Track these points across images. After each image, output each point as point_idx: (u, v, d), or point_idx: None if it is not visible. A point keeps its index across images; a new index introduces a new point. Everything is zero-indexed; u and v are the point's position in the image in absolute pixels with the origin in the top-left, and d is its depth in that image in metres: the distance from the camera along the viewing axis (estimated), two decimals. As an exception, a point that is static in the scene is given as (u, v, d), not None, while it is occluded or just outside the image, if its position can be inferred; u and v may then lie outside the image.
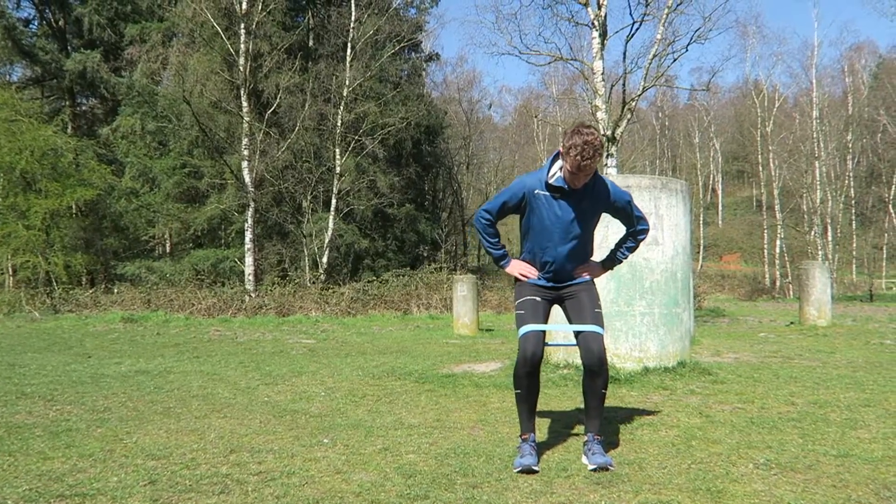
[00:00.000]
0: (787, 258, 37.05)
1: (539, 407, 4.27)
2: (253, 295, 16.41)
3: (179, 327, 11.84)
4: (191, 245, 23.10)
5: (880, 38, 76.44)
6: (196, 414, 4.15)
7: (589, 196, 3.04)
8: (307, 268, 20.39)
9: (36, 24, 26.64)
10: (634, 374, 5.21)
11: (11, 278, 20.54)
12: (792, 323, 11.89)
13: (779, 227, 36.57)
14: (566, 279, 3.18)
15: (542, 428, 3.71)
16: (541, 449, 3.26)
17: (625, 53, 16.20)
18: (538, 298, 3.14)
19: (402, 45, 22.35)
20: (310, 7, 24.29)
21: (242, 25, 18.59)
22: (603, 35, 14.87)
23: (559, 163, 3.02)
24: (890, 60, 46.68)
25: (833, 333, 9.71)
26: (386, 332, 11.07)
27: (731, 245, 53.23)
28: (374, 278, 17.84)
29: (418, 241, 26.50)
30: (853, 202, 40.20)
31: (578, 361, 5.53)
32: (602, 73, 14.91)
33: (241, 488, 2.67)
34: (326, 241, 20.27)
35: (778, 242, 37.05)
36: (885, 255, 43.50)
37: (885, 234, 42.55)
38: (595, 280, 3.28)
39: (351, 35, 20.79)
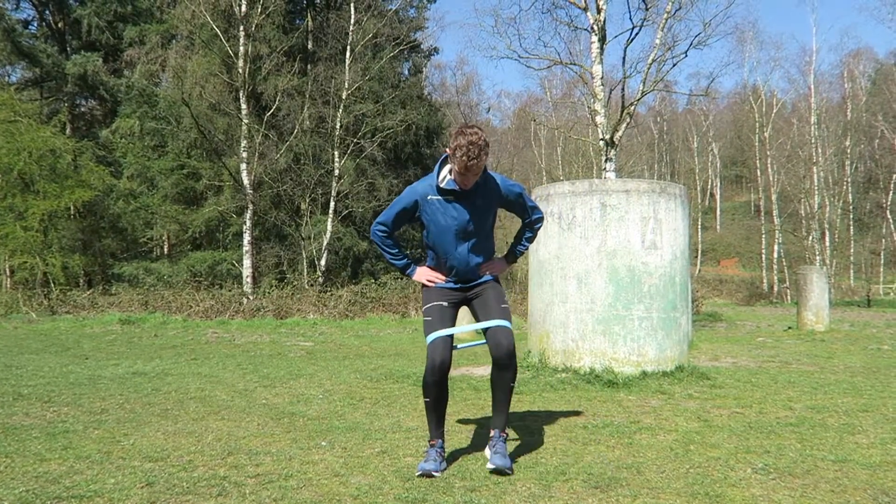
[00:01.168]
0: (784, 263, 37.13)
1: (537, 410, 4.28)
2: (251, 297, 16.39)
3: (177, 329, 11.82)
4: (189, 247, 23.07)
5: (879, 44, 76.86)
6: (193, 416, 4.14)
7: (481, 194, 3.06)
8: (305, 270, 20.37)
9: (35, 25, 26.65)
10: (632, 379, 5.21)
11: (9, 279, 20.52)
12: (790, 328, 11.90)
13: (777, 232, 36.65)
14: (472, 279, 3.22)
15: (539, 431, 3.71)
16: (539, 452, 3.26)
17: (624, 58, 16.18)
18: (445, 303, 3.17)
19: (401, 47, 22.38)
20: (309, 10, 24.32)
21: (241, 28, 18.61)
22: (602, 39, 14.90)
23: (448, 166, 3.05)
24: (888, 66, 46.82)
25: (831, 338, 9.72)
26: (384, 335, 11.06)
27: (730, 250, 53.29)
28: (373, 281, 17.83)
29: (417, 244, 26.48)
30: (851, 207, 40.27)
31: (576, 365, 5.53)
32: (601, 78, 14.94)
33: (238, 490, 2.67)
34: (325, 243, 20.26)
35: (776, 247, 37.12)
36: (882, 261, 43.58)
37: (883, 240, 42.65)
38: (499, 277, 3.31)
39: (350, 38, 20.82)
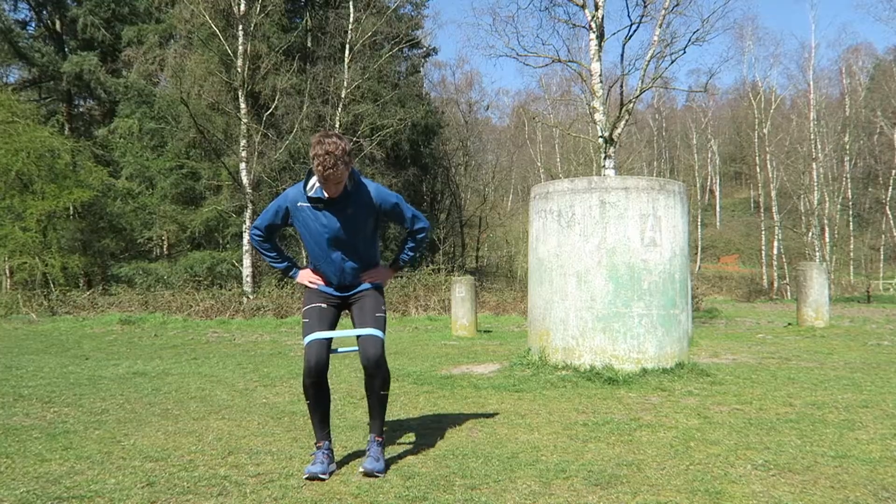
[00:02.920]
0: (784, 259, 37.15)
1: (538, 409, 4.28)
2: (251, 297, 16.39)
3: (177, 329, 11.83)
4: (188, 247, 23.07)
5: (877, 40, 76.79)
6: (194, 416, 4.15)
7: (353, 203, 3.04)
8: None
9: (33, 26, 26.63)
10: (633, 376, 5.21)
11: (8, 280, 20.51)
12: (790, 324, 11.90)
13: (776, 228, 36.65)
14: (351, 286, 3.20)
15: (539, 429, 3.72)
16: (539, 450, 3.26)
17: (622, 55, 16.19)
18: (324, 305, 3.16)
19: (399, 45, 22.36)
20: (308, 8, 24.29)
21: (240, 27, 18.59)
22: (600, 37, 14.89)
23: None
24: (887, 62, 46.79)
25: (831, 335, 9.73)
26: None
27: (729, 246, 53.32)
28: (372, 280, 17.80)
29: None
30: (850, 204, 40.30)
31: (577, 363, 5.53)
32: (600, 75, 14.93)
33: (239, 490, 2.67)
34: (324, 242, 20.25)
35: (776, 244, 37.12)
36: (882, 257, 43.62)
37: (883, 236, 42.67)
38: (384, 284, 3.30)
39: (349, 36, 20.80)
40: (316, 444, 3.01)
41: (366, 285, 3.21)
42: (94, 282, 21.13)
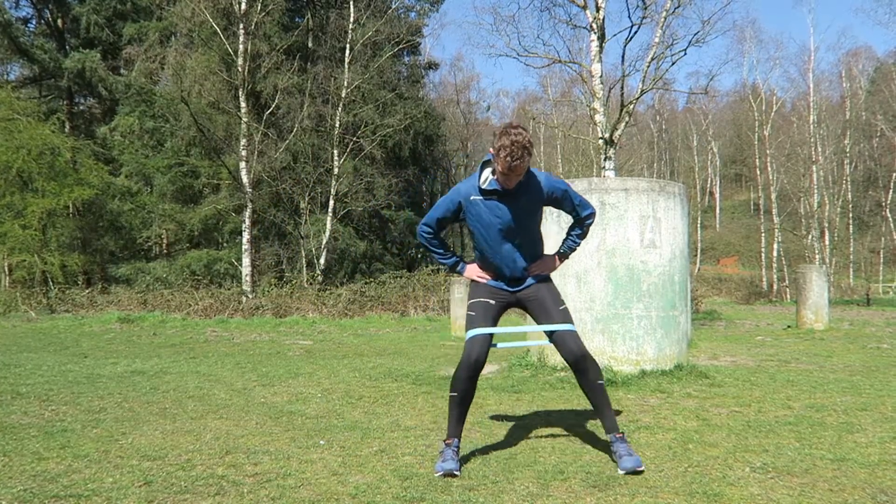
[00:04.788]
0: (784, 262, 37.15)
1: (536, 410, 4.28)
2: (250, 296, 16.39)
3: (176, 328, 11.82)
4: (187, 245, 23.06)
5: (878, 43, 76.86)
6: (192, 415, 4.14)
7: (525, 193, 3.04)
8: (304, 269, 20.37)
9: (34, 23, 26.62)
10: (631, 377, 5.20)
11: (7, 278, 20.51)
12: (789, 326, 11.90)
13: (776, 230, 36.65)
14: (520, 280, 3.19)
15: (538, 430, 3.71)
16: (537, 451, 3.26)
17: (623, 56, 16.17)
18: (491, 301, 3.15)
19: (400, 46, 22.35)
20: (309, 8, 24.29)
21: (241, 25, 18.58)
22: (601, 38, 14.89)
23: (489, 168, 3.04)
24: (887, 65, 46.80)
25: (830, 337, 9.73)
26: (383, 334, 11.07)
27: (729, 248, 53.32)
28: (372, 280, 17.83)
29: (416, 243, 26.49)
30: (850, 206, 40.29)
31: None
32: (600, 76, 14.93)
33: (236, 490, 2.66)
34: (324, 242, 20.25)
35: (775, 246, 37.12)
36: (882, 260, 43.62)
37: (882, 239, 42.67)
38: (552, 276, 3.29)
39: (350, 36, 20.80)
40: (446, 440, 3.01)
41: (535, 279, 3.19)
42: (93, 280, 21.14)
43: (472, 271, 3.24)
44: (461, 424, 3.04)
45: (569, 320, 3.09)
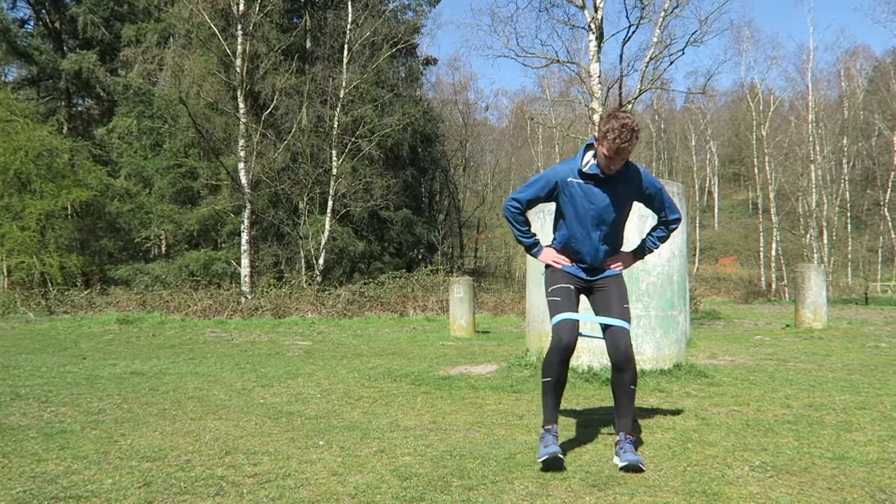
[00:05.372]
0: (782, 261, 37.18)
1: (536, 409, 4.28)
2: (249, 297, 16.38)
3: (175, 329, 11.81)
4: (186, 246, 23.05)
5: (876, 42, 76.95)
6: (191, 416, 4.14)
7: (622, 182, 3.05)
8: (303, 269, 20.36)
9: (32, 24, 26.60)
10: (630, 377, 5.21)
11: (6, 279, 20.48)
12: (787, 326, 11.91)
13: (774, 230, 36.69)
14: (598, 269, 3.18)
15: (537, 430, 3.71)
16: (536, 451, 3.25)
17: (621, 56, 16.19)
18: (571, 287, 3.13)
19: (398, 47, 22.35)
20: (307, 9, 24.29)
21: (239, 26, 18.58)
22: (599, 38, 14.90)
23: (591, 152, 3.05)
24: (885, 64, 46.86)
25: (828, 336, 9.74)
26: (382, 334, 11.07)
27: (728, 248, 53.36)
28: (371, 280, 17.83)
29: (415, 243, 26.50)
30: (848, 206, 40.34)
31: (574, 364, 5.53)
32: (598, 76, 14.94)
33: (236, 490, 2.66)
34: (323, 242, 20.25)
35: (774, 245, 37.15)
36: (880, 258, 43.69)
37: (881, 238, 42.74)
38: (622, 274, 3.27)
39: (348, 37, 20.79)
40: (545, 426, 3.01)
41: (611, 272, 3.19)
42: (92, 281, 21.11)
43: (549, 255, 3.22)
44: (557, 409, 3.05)
45: (627, 319, 3.08)
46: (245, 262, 18.29)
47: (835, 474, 2.86)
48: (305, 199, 21.26)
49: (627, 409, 3.07)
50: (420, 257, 25.96)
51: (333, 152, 20.64)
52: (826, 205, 35.03)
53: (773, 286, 37.23)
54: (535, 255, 3.28)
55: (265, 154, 19.48)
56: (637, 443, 3.14)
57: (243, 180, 18.43)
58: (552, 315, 3.08)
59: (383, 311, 15.70)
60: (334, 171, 20.66)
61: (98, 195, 20.48)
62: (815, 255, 32.38)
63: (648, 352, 5.45)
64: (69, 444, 3.38)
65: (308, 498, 2.58)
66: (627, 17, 15.44)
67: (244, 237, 18.41)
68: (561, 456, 2.87)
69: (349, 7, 20.85)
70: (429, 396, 4.81)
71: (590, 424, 3.83)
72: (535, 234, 3.27)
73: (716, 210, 60.22)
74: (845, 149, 39.46)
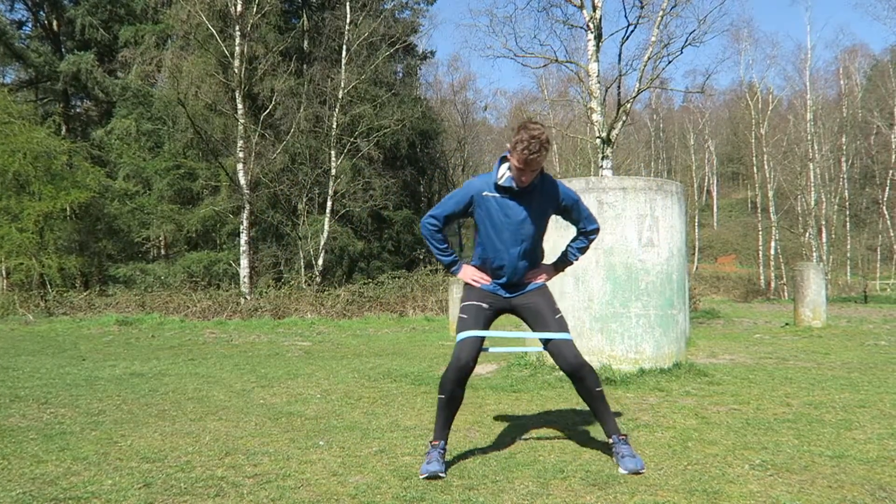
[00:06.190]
0: (781, 260, 37.18)
1: (535, 409, 4.28)
2: (248, 297, 16.37)
3: (174, 330, 11.81)
4: (185, 247, 23.04)
5: (874, 40, 76.90)
6: (191, 416, 4.14)
7: (538, 195, 3.02)
8: (303, 270, 20.36)
9: (30, 26, 26.56)
10: (630, 376, 5.21)
11: (5, 281, 20.46)
12: (787, 324, 11.92)
13: (773, 228, 36.70)
14: (519, 285, 3.15)
15: (538, 430, 3.71)
16: (537, 450, 3.26)
17: (620, 56, 16.19)
18: (484, 305, 3.10)
19: (396, 46, 22.36)
20: (304, 10, 24.29)
21: (237, 28, 18.57)
22: (598, 38, 14.91)
23: (507, 164, 3.01)
24: (884, 63, 46.89)
25: (828, 335, 9.74)
26: (382, 335, 11.06)
27: (727, 247, 53.37)
28: (370, 280, 17.82)
29: (414, 244, 26.50)
30: (847, 204, 40.36)
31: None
32: (597, 76, 14.95)
33: (236, 491, 2.66)
34: (322, 243, 20.24)
35: (773, 244, 37.17)
36: (879, 257, 43.73)
37: (880, 236, 42.78)
38: (548, 284, 3.27)
39: (346, 37, 20.79)
40: (432, 441, 2.98)
41: (534, 285, 3.16)
42: (91, 283, 21.08)
43: (468, 273, 3.18)
44: (448, 427, 3.02)
45: (564, 329, 3.06)
46: (244, 262, 18.28)
47: (835, 472, 2.87)
48: (304, 200, 21.25)
49: (605, 411, 3.04)
50: (420, 257, 25.97)
51: (332, 152, 20.64)
52: (825, 203, 35.05)
53: (773, 285, 37.26)
54: (454, 273, 3.23)
55: (264, 155, 19.48)
56: (628, 440, 3.14)
57: (242, 181, 18.42)
58: (457, 332, 3.06)
59: (383, 311, 15.70)
60: (333, 171, 20.65)
61: (97, 196, 20.45)
62: (814, 254, 32.41)
63: (648, 351, 5.46)
64: (69, 446, 3.37)
65: (308, 498, 2.58)
66: (626, 17, 15.48)
67: (243, 238, 18.40)
68: (441, 475, 2.81)
69: (347, 7, 20.85)
70: (429, 396, 4.81)
71: (589, 423, 3.83)
72: (453, 252, 3.23)
73: (714, 209, 60.24)
74: (844, 147, 39.49)
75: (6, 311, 15.15)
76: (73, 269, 19.22)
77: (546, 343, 3.06)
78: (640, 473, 2.85)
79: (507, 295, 3.15)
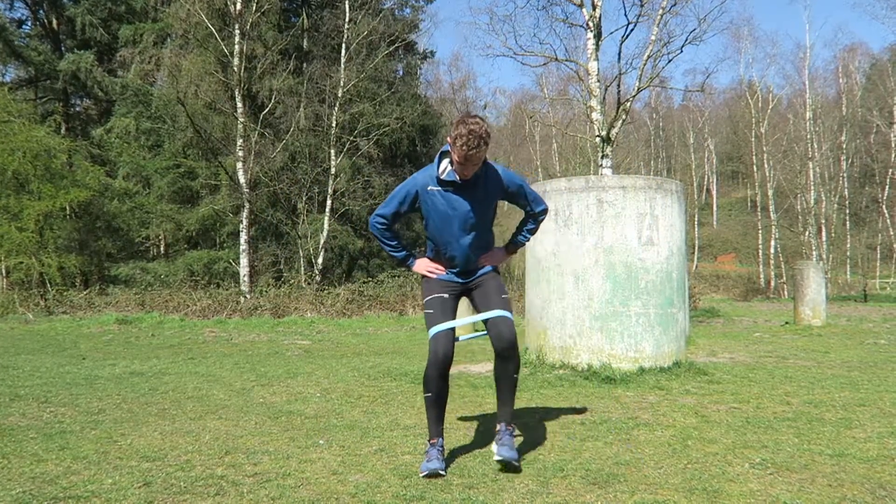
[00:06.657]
0: (781, 258, 37.18)
1: (534, 407, 4.28)
2: (248, 296, 16.37)
3: (174, 329, 11.80)
4: (185, 246, 23.02)
5: (873, 39, 76.95)
6: (191, 415, 4.14)
7: (482, 185, 3.04)
8: (303, 269, 20.35)
9: (29, 25, 26.54)
10: (630, 375, 5.21)
11: (5, 280, 20.46)
12: (787, 323, 11.92)
13: (773, 227, 36.70)
14: (472, 271, 3.20)
15: (538, 428, 3.71)
16: (537, 449, 3.26)
17: (619, 54, 16.19)
18: (446, 295, 3.14)
19: (396, 45, 22.34)
20: (304, 8, 24.27)
21: (237, 26, 18.55)
22: (598, 36, 14.90)
23: (447, 158, 3.04)
24: (883, 62, 46.88)
25: (828, 333, 9.75)
26: (382, 333, 11.06)
27: (726, 246, 53.38)
28: (370, 279, 17.81)
29: (414, 242, 26.49)
30: (847, 203, 40.36)
31: (574, 362, 5.53)
32: (597, 75, 14.94)
33: (236, 490, 2.66)
34: (322, 241, 20.24)
35: (772, 243, 37.18)
36: (878, 256, 43.74)
37: (879, 235, 42.79)
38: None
39: (345, 36, 20.78)
40: (430, 440, 2.99)
41: (484, 269, 3.20)
42: (91, 282, 21.07)
43: (423, 266, 3.23)
44: (441, 423, 3.03)
45: (507, 308, 3.09)
46: (244, 261, 18.27)
47: (835, 471, 2.87)
48: (304, 199, 21.23)
49: (508, 399, 3.07)
50: (419, 256, 26.01)
51: (332, 151, 20.62)
52: (825, 202, 35.06)
53: (772, 284, 37.26)
54: (409, 268, 3.27)
55: (263, 154, 19.45)
56: (515, 435, 3.14)
57: (242, 180, 18.40)
58: (428, 328, 3.07)
59: (382, 310, 15.69)
60: (333, 169, 20.64)
61: (97, 195, 20.44)
62: (814, 253, 32.40)
63: (648, 349, 5.46)
64: (69, 445, 3.37)
65: (308, 497, 2.58)
66: (626, 15, 15.44)
67: (243, 237, 18.38)
68: (442, 473, 2.83)
69: (346, 5, 20.83)
70: (428, 395, 4.81)
71: (589, 422, 3.83)
72: (405, 248, 3.25)
73: (714, 208, 60.24)
74: (843, 146, 39.47)
75: (6, 310, 15.14)
76: (73, 268, 19.21)
77: (487, 321, 3.08)
78: (513, 469, 2.86)
79: (463, 281, 3.20)
